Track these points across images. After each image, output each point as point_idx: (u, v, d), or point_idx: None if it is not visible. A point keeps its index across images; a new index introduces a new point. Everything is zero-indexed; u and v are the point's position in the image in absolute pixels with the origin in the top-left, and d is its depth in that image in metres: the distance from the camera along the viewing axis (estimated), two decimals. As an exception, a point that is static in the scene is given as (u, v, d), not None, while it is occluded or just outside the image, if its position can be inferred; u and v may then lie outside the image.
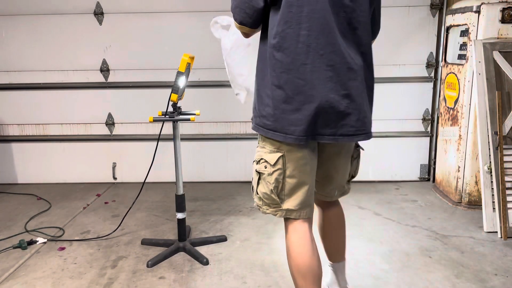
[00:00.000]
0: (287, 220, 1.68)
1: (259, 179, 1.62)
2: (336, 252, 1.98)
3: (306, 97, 1.50)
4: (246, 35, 1.67)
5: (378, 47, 3.79)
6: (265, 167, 1.59)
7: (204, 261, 2.52)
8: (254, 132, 1.65)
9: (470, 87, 3.17)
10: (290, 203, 1.62)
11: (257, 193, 1.65)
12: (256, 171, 1.64)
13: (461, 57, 3.33)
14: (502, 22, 3.03)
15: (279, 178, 1.59)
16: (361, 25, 1.52)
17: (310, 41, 1.47)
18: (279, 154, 1.57)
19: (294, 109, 1.51)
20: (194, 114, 2.58)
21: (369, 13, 1.58)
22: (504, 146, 2.90)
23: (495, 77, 2.99)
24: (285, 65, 1.50)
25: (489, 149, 2.93)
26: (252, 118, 1.67)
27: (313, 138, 1.55)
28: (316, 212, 1.89)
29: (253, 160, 1.68)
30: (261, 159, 1.61)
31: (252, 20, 1.56)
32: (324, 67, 1.49)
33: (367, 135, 1.60)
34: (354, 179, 1.92)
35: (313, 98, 1.49)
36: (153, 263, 2.51)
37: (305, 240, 1.64)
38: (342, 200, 1.94)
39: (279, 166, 1.58)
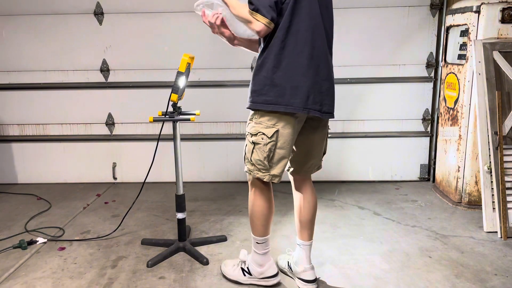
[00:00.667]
0: (258, 180, 2.09)
1: (253, 148, 2.01)
2: (309, 231, 2.25)
3: (302, 78, 1.90)
4: (266, 31, 1.86)
5: (378, 47, 3.87)
6: (262, 139, 1.97)
7: (204, 261, 2.52)
8: None
9: (470, 87, 3.17)
10: (276, 170, 2.03)
11: (251, 160, 2.04)
12: (252, 142, 2.00)
13: (461, 57, 3.33)
14: (502, 22, 3.03)
15: (271, 148, 1.97)
16: (330, 30, 2.01)
17: (307, 35, 1.88)
18: (274, 129, 1.95)
19: (293, 87, 1.90)
20: (194, 114, 2.58)
21: (332, 23, 2.02)
22: (504, 146, 2.90)
23: (495, 77, 2.99)
24: (286, 52, 1.88)
25: (489, 149, 2.93)
26: (250, 99, 1.98)
27: (308, 112, 1.93)
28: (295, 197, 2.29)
29: (247, 132, 2.03)
30: (259, 132, 1.97)
31: (276, 17, 1.85)
32: (316, 56, 1.91)
33: (333, 114, 2.04)
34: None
35: (307, 79, 1.90)
36: (153, 263, 2.51)
37: (269, 195, 2.14)
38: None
39: (273, 139, 1.95)
